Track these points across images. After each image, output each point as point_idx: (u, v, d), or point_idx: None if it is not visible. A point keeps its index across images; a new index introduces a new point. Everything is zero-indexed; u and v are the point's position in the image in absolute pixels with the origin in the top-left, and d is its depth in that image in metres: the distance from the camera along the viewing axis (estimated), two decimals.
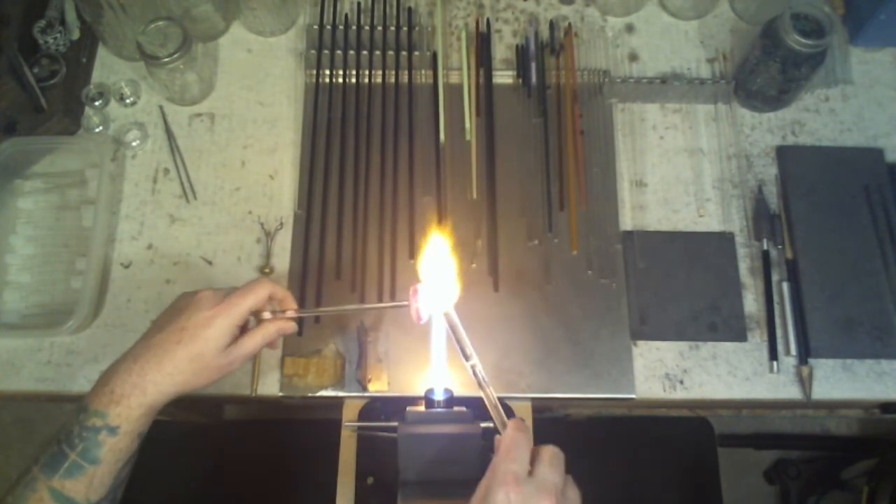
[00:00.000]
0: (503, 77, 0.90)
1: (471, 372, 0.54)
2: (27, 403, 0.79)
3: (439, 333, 0.62)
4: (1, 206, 0.83)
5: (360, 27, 0.91)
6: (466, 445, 0.65)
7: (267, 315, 0.65)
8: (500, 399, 0.75)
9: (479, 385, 0.54)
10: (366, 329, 0.77)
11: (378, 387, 0.75)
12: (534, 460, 0.49)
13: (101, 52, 0.92)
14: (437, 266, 0.58)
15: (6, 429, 1.49)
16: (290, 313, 0.65)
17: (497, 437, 0.52)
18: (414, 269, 0.79)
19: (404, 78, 0.89)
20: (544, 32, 0.93)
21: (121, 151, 0.87)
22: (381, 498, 0.70)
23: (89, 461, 0.53)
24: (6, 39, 0.83)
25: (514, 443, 0.49)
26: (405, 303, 0.58)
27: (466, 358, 0.54)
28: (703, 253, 0.82)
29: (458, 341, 0.55)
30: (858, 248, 0.81)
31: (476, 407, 0.65)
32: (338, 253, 0.81)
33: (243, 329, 0.64)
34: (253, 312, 0.64)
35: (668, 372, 0.77)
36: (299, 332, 0.77)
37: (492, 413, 0.54)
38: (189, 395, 0.61)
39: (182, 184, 0.85)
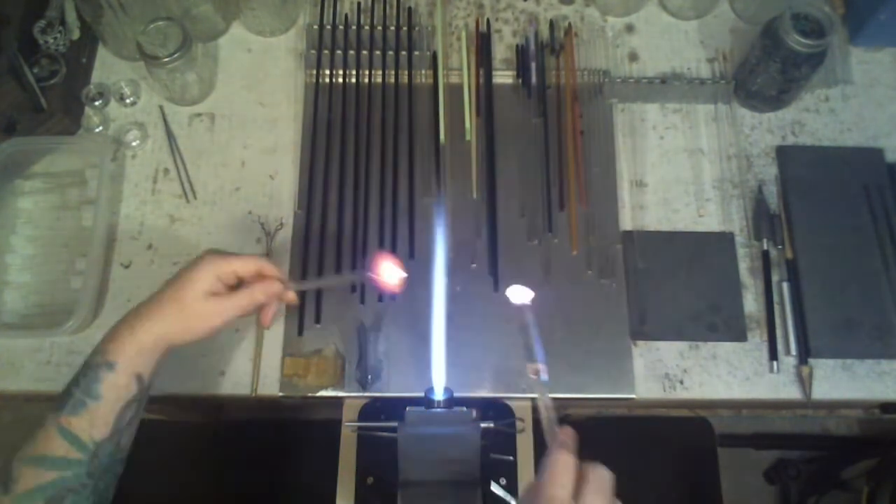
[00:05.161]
0: (503, 77, 0.90)
1: (533, 377, 0.54)
2: (27, 403, 0.79)
3: (440, 332, 0.62)
4: (1, 206, 0.83)
5: (360, 27, 0.91)
6: (466, 445, 0.66)
7: None
8: (499, 399, 0.76)
9: (538, 392, 0.53)
10: (366, 329, 0.77)
11: (378, 387, 0.75)
12: (580, 484, 0.47)
13: (101, 52, 0.92)
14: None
15: (6, 429, 1.49)
16: (276, 283, 0.65)
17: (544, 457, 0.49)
18: (414, 269, 0.79)
19: (404, 78, 0.89)
20: (544, 32, 0.93)
21: (121, 151, 0.87)
22: (381, 498, 0.70)
23: (91, 397, 0.56)
24: (6, 39, 0.83)
25: (560, 466, 0.47)
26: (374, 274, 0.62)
27: (534, 361, 0.54)
28: (703, 253, 0.82)
29: (528, 343, 0.54)
30: (858, 248, 0.81)
31: (476, 407, 0.66)
32: (338, 253, 0.81)
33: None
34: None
35: (668, 372, 0.77)
36: (299, 332, 0.77)
37: (543, 422, 0.52)
38: (180, 346, 0.61)
39: (182, 184, 0.85)
